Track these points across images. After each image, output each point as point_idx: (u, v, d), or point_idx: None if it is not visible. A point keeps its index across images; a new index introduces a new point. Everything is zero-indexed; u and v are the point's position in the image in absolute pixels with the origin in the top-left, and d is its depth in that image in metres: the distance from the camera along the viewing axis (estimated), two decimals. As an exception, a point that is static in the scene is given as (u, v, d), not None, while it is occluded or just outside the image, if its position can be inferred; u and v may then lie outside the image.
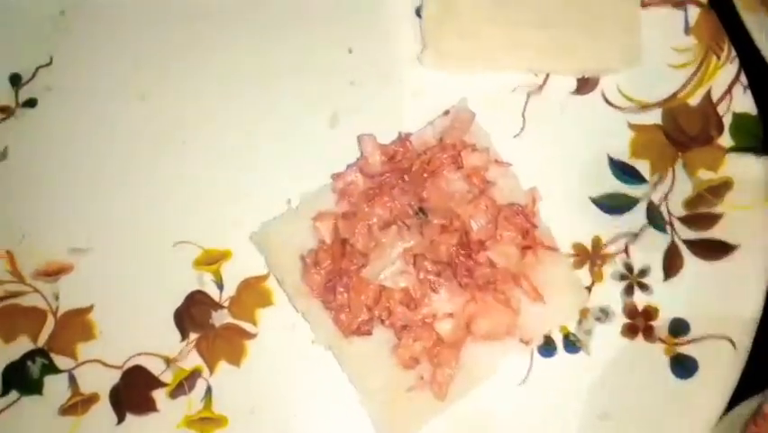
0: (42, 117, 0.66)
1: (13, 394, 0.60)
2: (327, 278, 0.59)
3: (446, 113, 0.65)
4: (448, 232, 0.59)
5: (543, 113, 0.68)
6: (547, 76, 0.69)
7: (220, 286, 0.63)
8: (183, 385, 0.60)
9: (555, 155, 0.66)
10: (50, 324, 0.61)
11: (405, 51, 0.70)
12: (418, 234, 0.59)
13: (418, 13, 0.70)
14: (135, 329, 0.62)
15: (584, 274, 0.64)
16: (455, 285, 0.58)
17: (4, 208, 0.64)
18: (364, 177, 0.62)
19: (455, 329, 0.58)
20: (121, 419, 0.60)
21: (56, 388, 0.60)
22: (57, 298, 0.62)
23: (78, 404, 0.60)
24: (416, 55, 0.69)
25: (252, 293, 0.63)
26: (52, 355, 0.61)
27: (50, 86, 0.67)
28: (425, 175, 0.61)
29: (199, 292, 0.63)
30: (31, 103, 0.66)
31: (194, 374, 0.61)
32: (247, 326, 0.62)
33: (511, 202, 0.62)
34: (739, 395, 0.60)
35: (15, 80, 0.67)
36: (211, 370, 0.61)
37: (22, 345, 0.61)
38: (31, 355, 0.61)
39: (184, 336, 0.62)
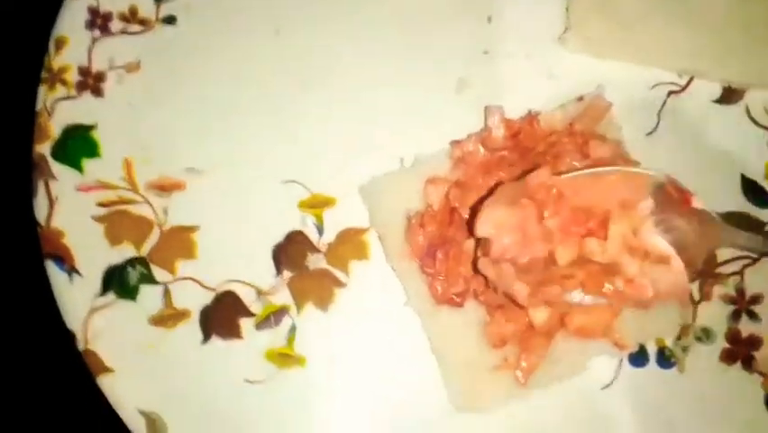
0: (179, 35, 0.69)
1: (110, 296, 0.63)
2: (430, 242, 0.61)
3: (580, 98, 0.64)
4: None
5: (680, 116, 0.67)
6: (691, 79, 0.68)
7: (320, 230, 0.65)
8: (270, 319, 0.63)
9: (685, 161, 0.65)
10: (154, 236, 0.65)
11: (546, 29, 0.69)
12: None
13: (567, -8, 0.70)
14: (234, 257, 0.64)
15: (693, 290, 0.63)
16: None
17: (128, 117, 0.67)
18: (484, 148, 0.62)
19: (549, 319, 0.58)
20: (206, 338, 0.63)
21: (150, 298, 0.64)
22: (165, 212, 0.65)
23: (169, 317, 0.63)
24: (558, 35, 0.68)
25: (350, 244, 0.65)
26: (152, 266, 0.64)
27: (191, 6, 0.69)
28: (548, 158, 0.61)
29: (299, 233, 0.65)
30: (170, 20, 0.69)
31: (282, 311, 0.64)
32: (340, 274, 0.64)
33: None
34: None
35: (159, -6, 0.70)
36: (299, 309, 0.64)
37: (126, 251, 0.65)
38: (132, 262, 0.64)
39: (279, 271, 0.64)
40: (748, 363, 0.62)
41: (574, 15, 0.68)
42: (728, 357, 0.62)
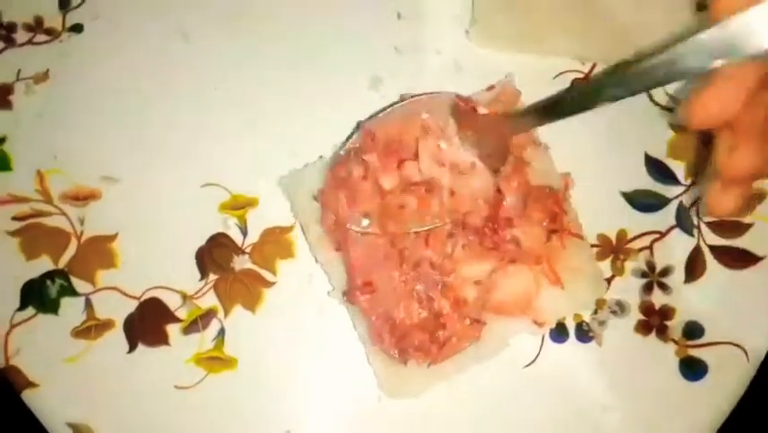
0: (87, 44, 0.70)
1: (30, 310, 0.63)
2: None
3: (491, 87, 0.68)
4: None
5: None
6: (594, 65, 0.72)
7: (244, 232, 0.66)
8: (197, 323, 0.64)
9: (592, 144, 0.69)
10: (72, 247, 0.65)
11: (453, 23, 0.73)
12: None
13: (472, -14, 0.73)
14: (156, 263, 0.65)
15: (606, 266, 0.67)
16: (480, 252, 0.61)
17: (39, 128, 0.67)
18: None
19: (479, 296, 0.61)
20: (132, 347, 0.64)
21: (72, 310, 0.64)
22: (82, 222, 0.65)
23: (92, 328, 0.63)
24: (465, 28, 0.72)
25: (275, 243, 0.67)
26: (72, 278, 0.64)
27: (98, 14, 0.70)
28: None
29: (223, 235, 0.66)
30: (77, 28, 0.70)
31: (209, 314, 0.65)
32: (266, 274, 0.66)
33: (544, 184, 0.65)
34: (746, 404, 0.63)
35: (64, 4, 0.70)
36: (226, 312, 0.65)
37: (44, 265, 0.64)
38: (50, 275, 0.64)
39: (203, 275, 0.65)
40: (663, 333, 0.66)
41: (479, 10, 0.72)
42: (643, 328, 0.66)
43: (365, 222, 0.62)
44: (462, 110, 0.63)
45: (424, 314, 0.61)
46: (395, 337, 0.62)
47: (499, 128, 0.61)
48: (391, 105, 0.65)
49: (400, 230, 0.62)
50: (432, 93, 0.65)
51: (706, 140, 0.69)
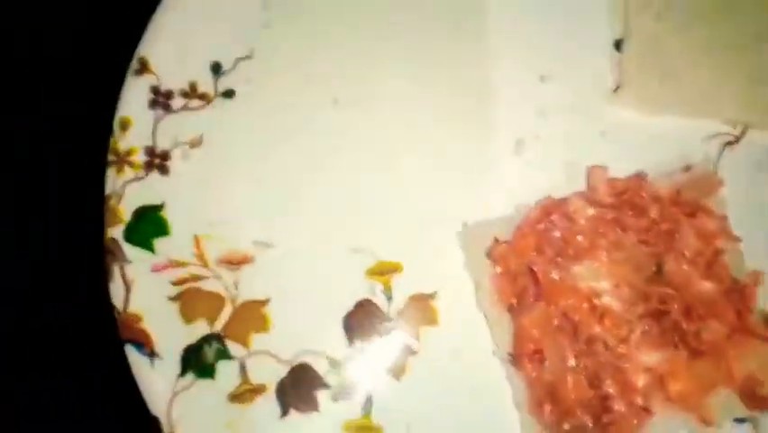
0: (239, 109, 0.73)
1: (189, 376, 0.66)
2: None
3: (687, 168, 0.68)
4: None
5: (737, 167, 0.70)
6: (745, 128, 0.71)
7: (389, 297, 0.68)
8: (347, 390, 0.66)
9: (749, 215, 0.68)
10: (227, 310, 0.68)
11: (598, 86, 0.73)
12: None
13: (617, 46, 0.73)
14: (306, 328, 0.67)
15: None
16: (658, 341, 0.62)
17: (195, 194, 0.70)
18: (591, 206, 0.66)
19: (649, 383, 0.62)
20: (285, 412, 0.66)
21: (227, 374, 0.67)
22: (236, 286, 0.68)
23: (247, 393, 0.66)
24: (610, 91, 0.72)
25: (419, 310, 0.68)
26: (227, 342, 0.67)
27: (250, 79, 0.73)
28: (664, 227, 0.65)
29: (368, 301, 0.68)
30: (229, 93, 0.73)
31: (357, 382, 0.67)
32: (411, 341, 0.68)
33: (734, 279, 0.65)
34: None
35: (216, 69, 0.74)
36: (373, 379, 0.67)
37: (201, 328, 0.68)
38: (208, 339, 0.67)
39: (350, 340, 0.67)
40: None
41: (627, 72, 0.72)
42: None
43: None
44: None
45: (590, 394, 0.62)
46: (556, 410, 0.62)
47: None
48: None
49: None
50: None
51: None
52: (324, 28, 0.75)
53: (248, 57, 0.74)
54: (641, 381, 0.62)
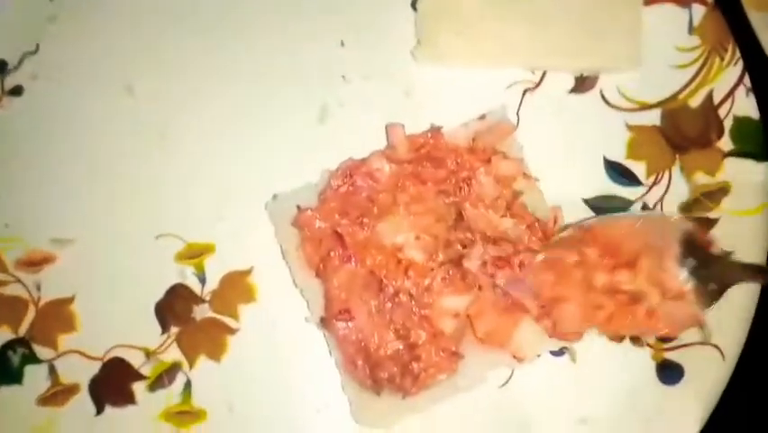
0: (28, 106, 0.71)
1: (-7, 384, 0.64)
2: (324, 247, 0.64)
3: (482, 117, 0.69)
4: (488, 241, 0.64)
5: (538, 111, 0.72)
6: (544, 73, 0.73)
7: (202, 280, 0.67)
8: (162, 378, 0.65)
9: (549, 155, 0.70)
10: (31, 314, 0.66)
11: (399, 46, 0.73)
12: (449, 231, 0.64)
13: (414, 6, 0.74)
14: (116, 321, 0.66)
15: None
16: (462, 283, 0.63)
17: (-14, 197, 0.68)
18: (391, 164, 0.66)
19: (458, 327, 0.63)
20: (100, 410, 0.65)
21: (36, 378, 0.65)
22: (39, 288, 0.67)
23: (58, 394, 0.64)
24: (410, 50, 0.73)
25: (235, 288, 0.68)
26: (33, 345, 0.66)
27: (37, 74, 0.71)
28: (463, 175, 0.66)
29: (181, 286, 0.67)
30: (16, 91, 0.71)
31: (173, 368, 0.66)
32: (229, 321, 0.67)
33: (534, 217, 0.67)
34: (725, 404, 0.64)
35: (1, 67, 0.71)
36: (191, 364, 0.66)
37: (3, 335, 0.66)
38: (11, 345, 0.66)
39: (165, 329, 0.66)
40: (637, 338, 0.66)
41: (422, 28, 0.73)
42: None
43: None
44: (696, 242, 0.64)
45: (398, 345, 0.62)
46: (368, 367, 0.62)
47: (728, 273, 0.63)
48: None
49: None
50: (667, 216, 0.67)
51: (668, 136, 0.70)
52: (112, 17, 0.73)
53: (34, 52, 0.72)
54: (449, 326, 0.62)
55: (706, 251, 0.63)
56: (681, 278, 0.63)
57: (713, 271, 0.63)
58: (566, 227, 0.67)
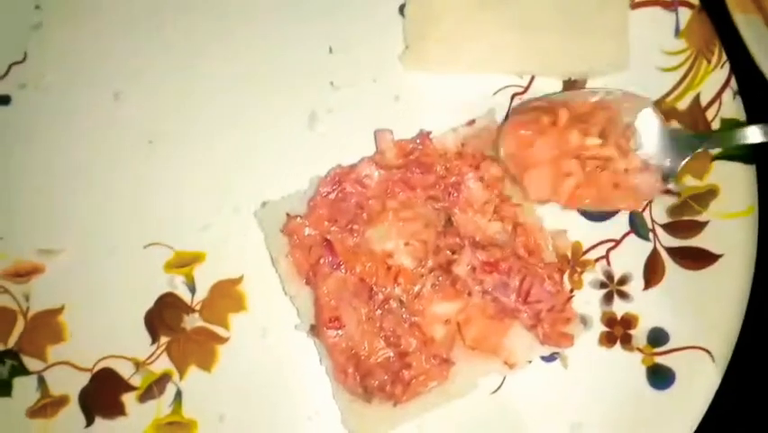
0: (15, 115, 0.71)
1: (-19, 396, 0.64)
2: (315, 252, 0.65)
3: (471, 122, 0.69)
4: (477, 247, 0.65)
5: (526, 115, 0.72)
6: (532, 78, 0.73)
7: (192, 289, 0.67)
8: (152, 389, 0.65)
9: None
10: (20, 325, 0.66)
11: (387, 52, 0.73)
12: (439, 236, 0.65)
13: (402, 11, 0.74)
14: (105, 332, 0.66)
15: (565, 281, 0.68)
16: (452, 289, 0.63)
17: (-26, 208, 0.68)
18: (380, 170, 0.67)
19: (447, 334, 0.63)
20: (90, 422, 0.65)
21: (25, 390, 0.65)
22: (27, 299, 0.66)
23: (48, 406, 0.64)
24: (398, 56, 0.73)
25: (225, 297, 0.68)
26: (22, 357, 0.65)
27: (24, 83, 0.71)
28: (452, 180, 0.67)
29: (170, 295, 0.67)
30: (4, 100, 0.71)
31: (163, 378, 0.66)
32: (219, 330, 0.67)
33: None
34: (716, 408, 0.64)
35: (-12, 76, 0.71)
36: (181, 374, 0.66)
37: (-8, 347, 0.65)
38: (0, 357, 0.65)
39: (154, 339, 0.66)
40: (627, 343, 0.67)
41: (410, 35, 0.73)
42: (607, 340, 0.67)
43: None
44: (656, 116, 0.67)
45: (389, 353, 0.63)
46: (359, 375, 0.63)
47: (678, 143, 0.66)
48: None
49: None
50: (629, 93, 0.69)
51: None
52: (99, 24, 0.73)
53: (22, 61, 0.72)
54: (438, 333, 0.62)
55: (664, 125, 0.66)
56: (643, 150, 0.65)
57: (671, 145, 0.65)
58: (534, 99, 0.68)
